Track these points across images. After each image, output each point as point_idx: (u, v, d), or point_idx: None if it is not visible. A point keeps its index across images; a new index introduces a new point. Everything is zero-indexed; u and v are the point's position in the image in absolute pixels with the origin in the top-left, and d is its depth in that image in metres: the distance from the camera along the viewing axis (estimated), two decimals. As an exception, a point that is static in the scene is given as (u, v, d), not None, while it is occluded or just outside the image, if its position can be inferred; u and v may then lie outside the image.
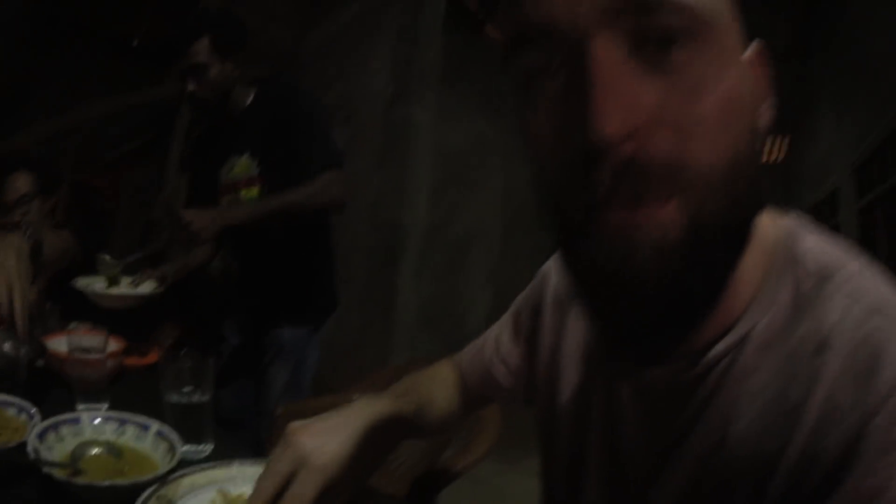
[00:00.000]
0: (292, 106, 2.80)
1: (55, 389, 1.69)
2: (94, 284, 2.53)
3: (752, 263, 0.78)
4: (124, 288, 2.57)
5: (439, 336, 6.42)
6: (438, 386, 1.37)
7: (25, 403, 1.52)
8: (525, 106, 0.71)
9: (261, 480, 1.01)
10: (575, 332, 1.07)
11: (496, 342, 1.31)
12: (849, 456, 0.68)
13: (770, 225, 0.83)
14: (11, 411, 1.52)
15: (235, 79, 2.82)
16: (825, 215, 8.68)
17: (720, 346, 0.78)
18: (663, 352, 0.81)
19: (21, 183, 3.14)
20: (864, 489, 0.66)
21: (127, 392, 1.67)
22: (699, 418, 0.81)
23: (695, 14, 0.63)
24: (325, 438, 1.04)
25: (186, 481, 1.25)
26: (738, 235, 0.70)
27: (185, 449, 1.40)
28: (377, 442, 1.09)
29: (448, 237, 6.52)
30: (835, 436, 0.69)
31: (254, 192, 2.83)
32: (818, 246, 0.80)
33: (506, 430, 1.84)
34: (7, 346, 1.72)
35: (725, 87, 0.65)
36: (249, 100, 2.89)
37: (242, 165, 2.86)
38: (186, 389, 1.55)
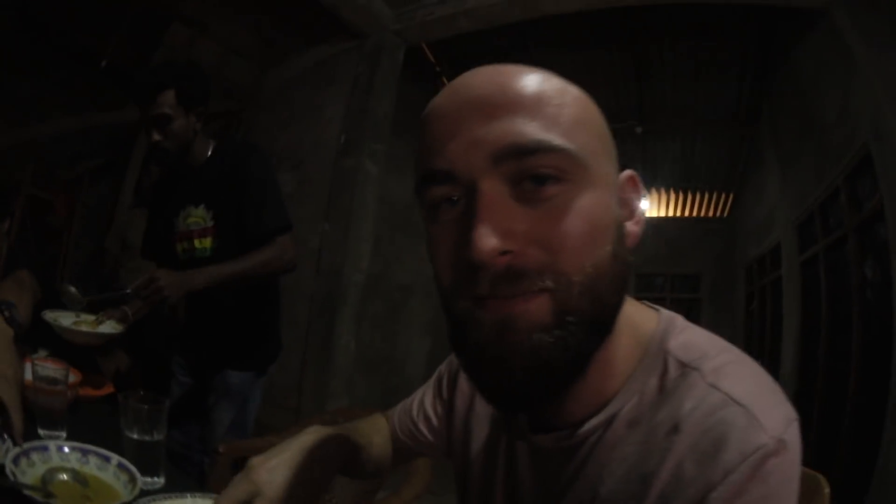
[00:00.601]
0: (247, 165, 2.91)
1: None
2: (62, 319, 2.53)
3: (626, 353, 0.98)
4: (87, 326, 2.58)
5: (377, 381, 6.49)
6: (374, 433, 1.51)
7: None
8: (431, 224, 0.92)
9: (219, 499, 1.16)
10: (484, 404, 1.26)
11: (421, 402, 1.48)
12: None
13: (647, 320, 1.03)
14: None
15: (197, 131, 2.92)
16: (768, 267, 8.94)
17: (594, 421, 0.98)
18: (548, 422, 1.03)
19: None
20: None
21: (82, 422, 1.78)
22: (577, 477, 1.00)
23: (563, 160, 0.84)
24: (276, 473, 1.18)
25: None
26: (599, 325, 0.88)
27: (139, 491, 1.54)
28: (320, 473, 1.23)
29: (389, 286, 6.63)
30: (678, 501, 0.85)
31: (206, 242, 2.95)
32: (688, 340, 0.98)
33: (442, 476, 1.98)
34: None
35: (587, 213, 0.85)
36: (209, 153, 3.00)
37: (198, 216, 2.96)
38: (144, 428, 1.69)
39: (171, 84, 2.79)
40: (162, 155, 2.89)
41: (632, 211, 0.95)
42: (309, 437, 1.27)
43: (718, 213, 12.47)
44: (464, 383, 1.35)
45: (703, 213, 12.58)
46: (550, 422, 1.03)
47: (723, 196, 11.98)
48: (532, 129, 0.84)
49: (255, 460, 1.21)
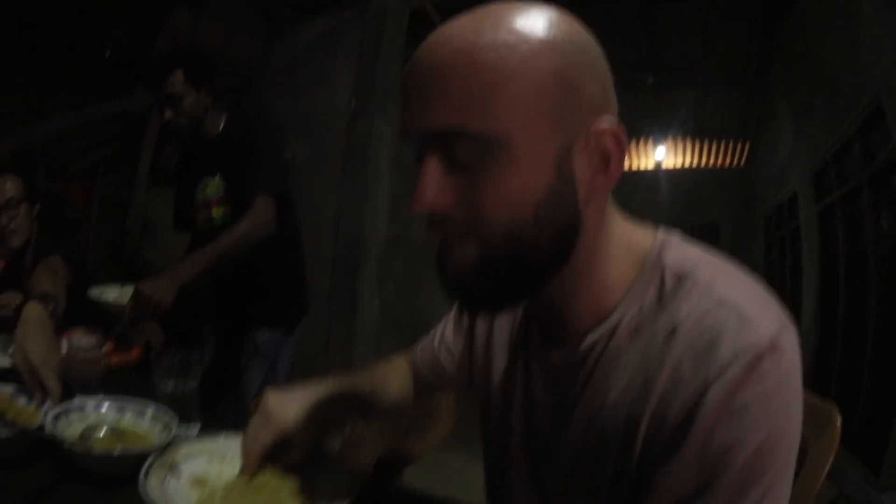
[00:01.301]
0: (253, 134, 3.01)
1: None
2: (107, 294, 2.64)
3: (624, 269, 1.05)
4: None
5: (403, 339, 6.52)
6: (392, 374, 1.59)
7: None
8: None
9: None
10: (502, 327, 1.33)
11: (442, 335, 1.55)
12: (689, 417, 0.89)
13: (645, 238, 1.09)
14: (22, 401, 1.73)
15: (208, 106, 3.03)
16: (786, 217, 8.86)
17: (595, 334, 1.05)
18: (558, 340, 1.11)
19: (9, 186, 3.15)
20: (711, 446, 0.88)
21: (116, 388, 1.80)
22: (585, 389, 1.07)
23: (477, 144, 0.92)
24: (287, 402, 1.30)
25: (183, 450, 1.47)
26: (525, 267, 0.98)
27: (176, 431, 1.59)
28: (330, 410, 1.33)
29: (409, 246, 6.64)
30: (677, 403, 0.91)
31: (222, 210, 3.06)
32: (682, 254, 1.04)
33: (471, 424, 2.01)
34: (12, 351, 1.90)
35: (503, 185, 0.93)
36: (221, 125, 3.12)
37: (214, 186, 3.06)
38: (176, 379, 1.75)
39: (178, 64, 2.89)
40: (176, 131, 3.01)
41: (607, 161, 0.98)
42: (323, 384, 1.39)
43: (735, 163, 12.33)
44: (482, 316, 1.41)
45: (719, 163, 12.44)
46: (559, 339, 1.11)
47: (739, 145, 11.86)
48: (451, 115, 0.92)
49: (270, 392, 1.32)
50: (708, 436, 0.88)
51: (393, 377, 1.58)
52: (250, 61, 6.74)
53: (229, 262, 2.83)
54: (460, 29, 0.94)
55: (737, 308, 0.92)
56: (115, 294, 2.67)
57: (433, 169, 0.96)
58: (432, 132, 0.94)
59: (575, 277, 1.04)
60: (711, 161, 12.41)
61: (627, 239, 1.08)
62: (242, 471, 1.30)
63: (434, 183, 0.96)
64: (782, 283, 9.12)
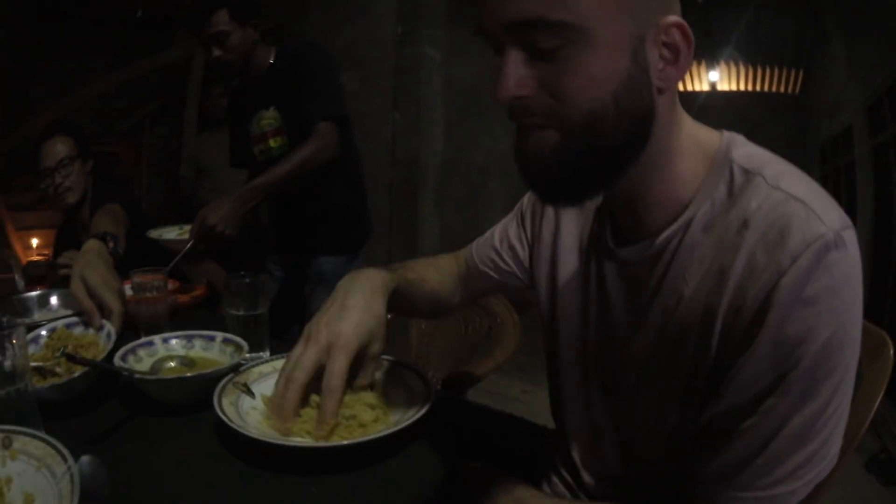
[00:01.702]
0: (306, 62, 3.00)
1: (123, 332, 1.83)
2: (166, 233, 2.67)
3: (694, 166, 1.08)
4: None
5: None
6: (433, 270, 1.63)
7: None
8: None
9: (292, 370, 1.25)
10: (570, 228, 1.37)
11: (504, 232, 1.59)
12: (766, 305, 0.92)
13: (712, 137, 1.12)
14: (78, 331, 1.76)
15: (256, 40, 3.03)
16: (841, 149, 8.70)
17: (671, 229, 1.08)
18: (631, 237, 1.15)
19: (60, 146, 3.23)
20: (786, 335, 0.91)
21: (182, 326, 1.80)
22: (662, 283, 1.10)
23: (561, 31, 0.92)
24: (339, 323, 1.25)
25: (255, 370, 1.47)
26: (605, 151, 1.00)
27: (248, 356, 1.59)
28: (378, 312, 1.30)
29: (465, 168, 6.61)
30: (753, 291, 0.94)
31: (280, 140, 3.09)
32: (749, 151, 1.08)
33: (531, 353, 2.01)
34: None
35: (585, 70, 0.95)
36: (271, 58, 3.11)
37: (269, 118, 3.09)
38: (245, 305, 1.74)
39: (222, 3, 2.88)
40: (225, 68, 3.02)
41: (676, 53, 1.00)
42: (355, 281, 1.36)
43: (790, 90, 12.13)
44: (549, 219, 1.44)
45: (774, 89, 12.25)
46: (633, 235, 1.15)
47: (793, 72, 11.67)
48: (532, 4, 0.94)
49: (312, 323, 1.30)
50: (782, 324, 0.91)
51: (432, 274, 1.62)
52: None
53: (292, 186, 2.85)
54: None
55: (805, 201, 0.96)
56: (174, 234, 2.69)
57: (514, 59, 0.98)
58: (514, 23, 0.96)
59: (650, 170, 1.07)
60: (766, 86, 12.21)
61: (696, 136, 1.13)
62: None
63: (515, 72, 0.98)
64: None
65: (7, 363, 1.15)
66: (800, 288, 0.90)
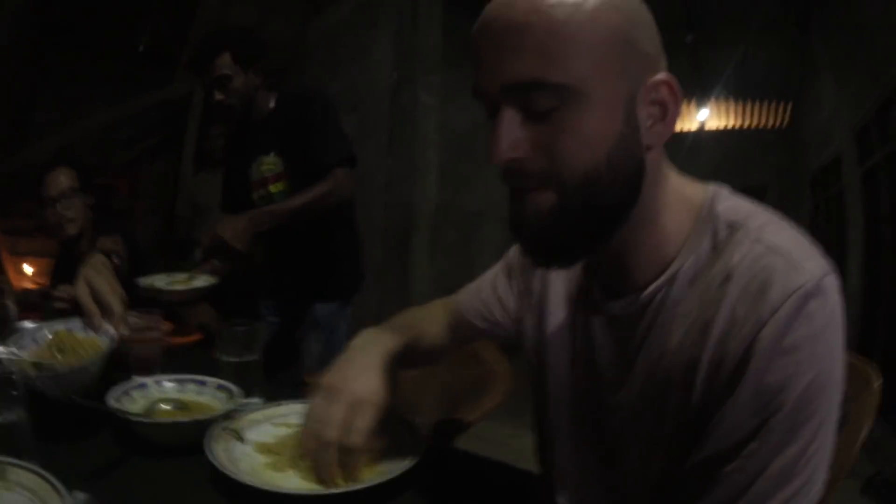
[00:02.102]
0: (310, 108, 3.03)
1: (114, 372, 1.82)
2: (157, 281, 2.65)
3: (680, 221, 1.11)
4: (181, 284, 2.68)
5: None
6: (428, 323, 1.67)
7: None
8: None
9: (319, 427, 1.28)
10: (558, 282, 1.38)
11: (493, 285, 1.61)
12: (746, 357, 0.95)
13: (697, 191, 1.14)
14: (80, 334, 1.80)
15: (258, 86, 3.07)
16: (831, 179, 8.66)
17: (656, 283, 1.10)
18: (618, 291, 1.16)
19: (63, 178, 3.27)
20: (766, 384, 0.94)
21: (176, 367, 1.86)
22: (647, 337, 1.12)
23: (558, 94, 0.96)
24: (362, 380, 1.33)
25: (247, 417, 1.51)
26: (600, 212, 1.03)
27: (240, 403, 1.62)
28: (390, 371, 1.38)
29: (459, 213, 6.63)
30: (734, 343, 0.97)
31: (280, 186, 3.10)
32: (733, 205, 1.10)
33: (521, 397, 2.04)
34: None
35: (581, 132, 0.98)
36: (272, 104, 3.15)
37: (269, 163, 3.10)
38: (238, 351, 1.77)
39: (225, 46, 2.94)
40: (227, 112, 3.06)
41: (664, 111, 1.04)
42: (367, 342, 1.45)
43: (779, 124, 12.15)
44: (538, 271, 1.46)
45: (763, 124, 12.26)
46: (620, 289, 1.16)
47: (782, 105, 11.69)
48: (530, 68, 0.97)
49: (330, 378, 1.35)
50: (762, 374, 0.94)
51: (429, 327, 1.67)
52: (288, 41, 6.77)
53: (302, 221, 2.90)
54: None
55: (785, 253, 0.98)
56: (164, 281, 2.68)
57: (509, 120, 1.00)
58: (512, 85, 0.99)
59: (637, 226, 1.09)
60: (755, 122, 12.21)
61: (681, 191, 1.13)
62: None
63: (510, 133, 1.00)
64: (828, 245, 8.81)
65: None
66: (780, 338, 0.93)
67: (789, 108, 11.44)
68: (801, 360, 0.93)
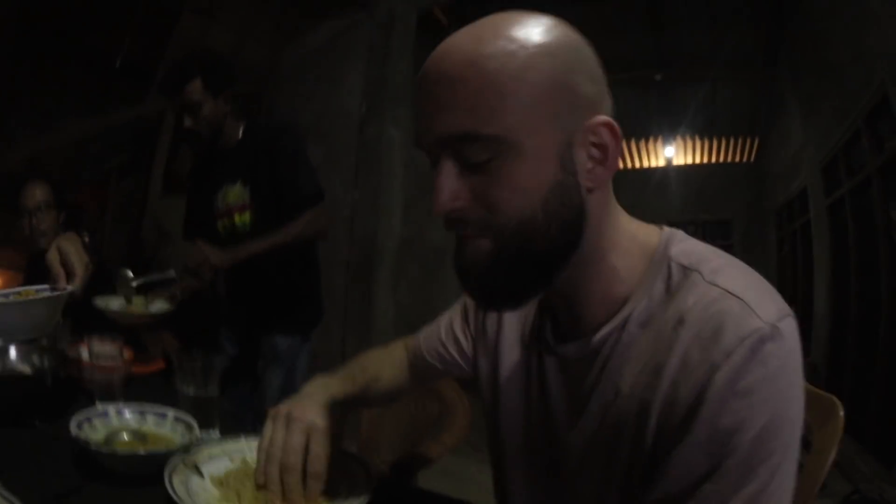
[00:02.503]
0: (279, 140, 3.06)
1: (77, 395, 1.89)
2: (112, 303, 2.64)
3: (632, 264, 1.12)
4: (139, 307, 2.68)
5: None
6: (387, 365, 1.70)
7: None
8: None
9: (282, 454, 1.31)
10: (512, 323, 1.39)
11: (449, 326, 1.62)
12: (699, 400, 0.95)
13: (650, 234, 1.15)
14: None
15: (227, 114, 3.08)
16: (797, 212, 8.78)
17: (609, 326, 1.11)
18: (571, 334, 1.18)
19: (39, 192, 3.35)
20: (720, 427, 0.93)
21: (137, 394, 1.86)
22: (599, 379, 1.13)
23: (489, 145, 0.98)
24: (314, 412, 1.37)
25: (205, 451, 1.51)
26: (539, 258, 1.05)
27: (198, 434, 1.64)
28: (333, 414, 1.40)
29: (423, 249, 6.65)
30: (686, 387, 0.97)
31: (246, 216, 3.11)
32: (688, 248, 1.10)
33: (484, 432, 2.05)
34: (34, 358, 1.96)
35: (513, 181, 1.00)
36: (240, 133, 3.16)
37: (235, 193, 3.11)
38: (197, 384, 1.78)
39: (196, 72, 2.95)
40: (196, 139, 3.08)
41: (605, 152, 1.04)
42: (317, 385, 1.51)
43: (745, 159, 12.25)
44: (491, 314, 1.47)
45: (730, 159, 12.37)
46: (573, 332, 1.17)
47: (748, 141, 11.80)
48: (461, 121, 0.99)
49: (284, 407, 1.39)
50: (716, 418, 0.93)
51: (386, 370, 1.70)
52: (260, 66, 6.78)
53: (279, 253, 2.94)
54: (463, 40, 1.01)
55: (740, 297, 0.97)
56: (118, 305, 2.68)
57: (448, 172, 1.03)
58: (446, 137, 1.01)
59: (585, 268, 1.10)
60: (722, 157, 12.33)
61: (633, 233, 1.14)
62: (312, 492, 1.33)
63: (449, 184, 1.03)
64: (795, 278, 9.11)
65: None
66: (733, 382, 0.92)
67: (755, 143, 11.59)
68: (756, 402, 0.92)
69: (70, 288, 1.88)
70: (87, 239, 2.24)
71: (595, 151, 1.04)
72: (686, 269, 1.06)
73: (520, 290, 1.09)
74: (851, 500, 4.28)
